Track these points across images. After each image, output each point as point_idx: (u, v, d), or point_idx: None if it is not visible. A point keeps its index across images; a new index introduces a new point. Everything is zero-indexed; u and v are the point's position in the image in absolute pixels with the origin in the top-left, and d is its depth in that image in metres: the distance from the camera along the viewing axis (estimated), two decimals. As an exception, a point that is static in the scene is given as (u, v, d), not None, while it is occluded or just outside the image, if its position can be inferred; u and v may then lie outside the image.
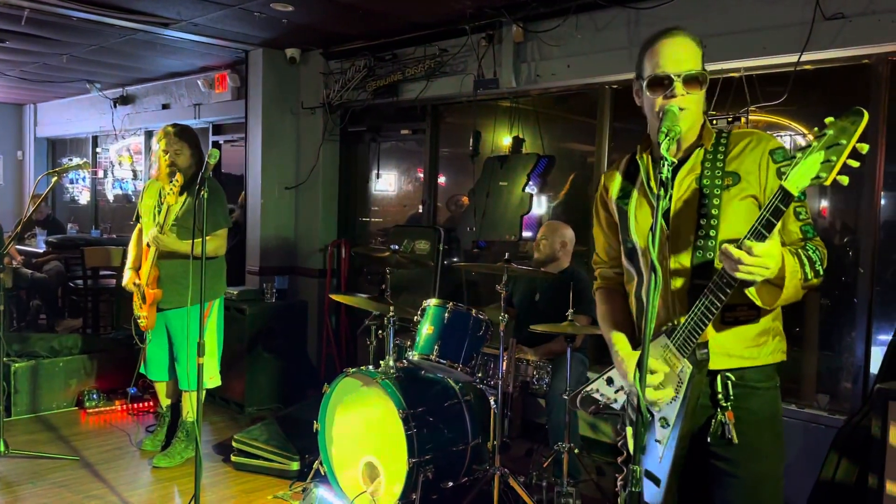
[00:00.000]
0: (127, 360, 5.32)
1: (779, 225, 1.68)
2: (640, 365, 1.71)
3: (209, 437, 4.75)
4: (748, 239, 1.68)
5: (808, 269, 1.80)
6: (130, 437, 4.67)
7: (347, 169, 6.36)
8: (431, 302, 3.70)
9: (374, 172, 6.31)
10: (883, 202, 3.69)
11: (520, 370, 3.63)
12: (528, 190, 4.93)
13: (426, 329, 3.60)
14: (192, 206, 4.00)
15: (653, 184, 2.00)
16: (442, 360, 3.50)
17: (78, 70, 7.32)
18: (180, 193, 4.01)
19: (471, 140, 5.09)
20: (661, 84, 1.91)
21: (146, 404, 5.25)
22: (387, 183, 6.53)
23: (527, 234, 5.05)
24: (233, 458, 4.18)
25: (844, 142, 1.57)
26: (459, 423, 3.71)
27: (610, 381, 2.17)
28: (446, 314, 3.58)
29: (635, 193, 2.06)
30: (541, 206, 5.28)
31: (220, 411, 5.34)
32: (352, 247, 6.05)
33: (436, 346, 3.51)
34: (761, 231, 1.67)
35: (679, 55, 1.90)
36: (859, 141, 1.57)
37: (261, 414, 5.12)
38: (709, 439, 1.91)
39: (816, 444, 3.61)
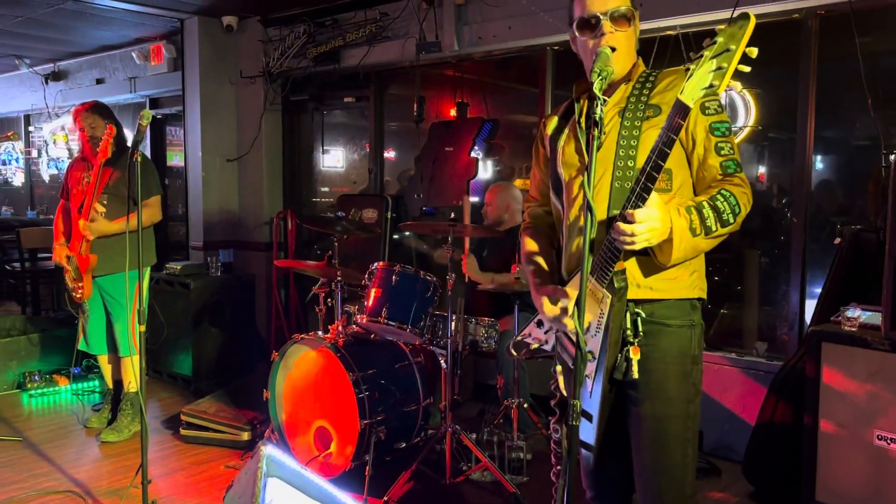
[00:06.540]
0: (69, 341, 5.17)
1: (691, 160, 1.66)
2: (578, 303, 1.72)
3: (157, 413, 4.67)
4: (629, 207, 1.69)
5: (711, 222, 1.78)
6: (77, 416, 4.56)
7: (291, 139, 6.25)
8: (379, 265, 3.68)
9: (321, 149, 6.20)
10: (820, 166, 3.81)
11: (469, 329, 3.65)
12: (473, 154, 4.92)
13: (374, 292, 3.58)
14: (122, 175, 4.06)
15: (582, 120, 2.02)
16: (391, 322, 3.49)
17: (5, 44, 7.01)
18: (107, 165, 3.97)
19: (415, 106, 5.06)
20: (589, 25, 1.94)
21: (90, 384, 5.13)
22: (334, 159, 6.45)
23: (474, 199, 5.05)
24: (182, 431, 4.12)
25: (734, 47, 1.60)
26: (411, 385, 3.72)
27: (540, 324, 2.17)
28: (394, 276, 3.57)
29: (567, 129, 2.09)
30: (486, 170, 5.29)
31: (168, 387, 5.25)
32: (298, 217, 5.96)
33: (384, 309, 3.50)
34: (651, 173, 1.67)
35: None
36: (749, 45, 1.60)
37: (210, 388, 5.04)
38: (614, 374, 1.89)
39: (756, 390, 3.74)
